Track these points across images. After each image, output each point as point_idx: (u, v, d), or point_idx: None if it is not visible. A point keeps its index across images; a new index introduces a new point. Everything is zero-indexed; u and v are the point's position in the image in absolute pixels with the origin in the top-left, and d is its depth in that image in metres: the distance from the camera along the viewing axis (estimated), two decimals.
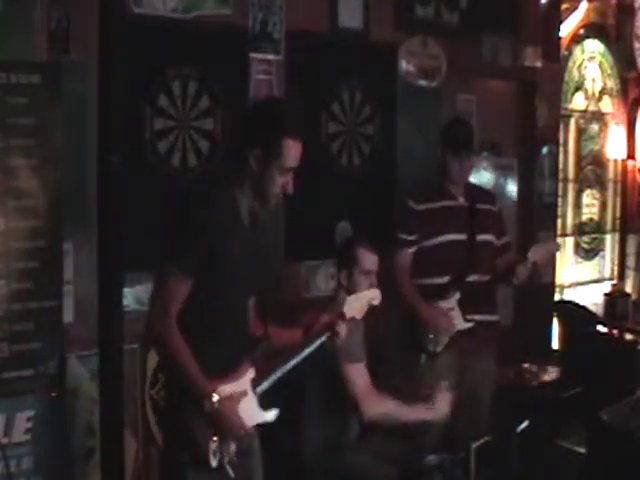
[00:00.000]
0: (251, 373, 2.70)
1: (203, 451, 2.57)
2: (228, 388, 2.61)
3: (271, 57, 4.20)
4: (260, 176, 2.66)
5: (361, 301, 2.98)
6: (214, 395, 2.55)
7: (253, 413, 2.67)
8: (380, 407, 3.41)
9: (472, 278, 4.06)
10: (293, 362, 2.82)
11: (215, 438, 2.58)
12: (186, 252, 2.59)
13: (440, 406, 3.45)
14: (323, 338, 2.87)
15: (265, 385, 2.73)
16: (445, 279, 4.05)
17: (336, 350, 3.12)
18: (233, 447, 2.63)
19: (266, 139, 2.64)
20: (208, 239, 2.59)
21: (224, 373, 2.63)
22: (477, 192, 4.27)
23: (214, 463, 2.59)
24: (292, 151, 2.66)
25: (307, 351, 2.85)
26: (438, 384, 3.55)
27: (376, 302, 2.99)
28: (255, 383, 2.70)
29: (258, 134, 2.66)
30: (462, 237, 4.08)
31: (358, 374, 3.41)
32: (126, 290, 3.52)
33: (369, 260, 3.56)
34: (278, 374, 2.78)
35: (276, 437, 2.93)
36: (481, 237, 4.13)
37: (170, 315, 2.58)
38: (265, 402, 2.73)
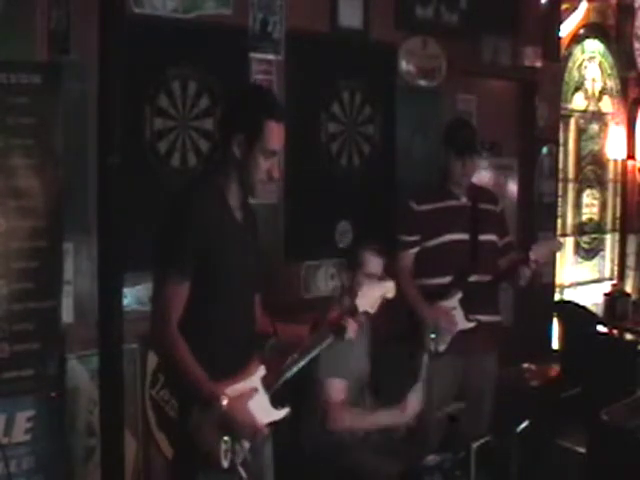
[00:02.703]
0: (262, 370, 2.67)
1: (214, 452, 2.55)
2: (239, 387, 2.58)
3: (271, 57, 4.20)
4: (244, 162, 2.64)
5: (374, 294, 2.87)
6: (223, 397, 2.51)
7: (265, 411, 2.63)
8: (345, 422, 3.43)
9: (474, 278, 4.06)
10: (306, 359, 2.77)
11: (226, 438, 2.55)
12: (180, 256, 2.57)
13: (408, 410, 3.47)
14: (334, 335, 2.80)
15: (279, 383, 2.70)
16: (447, 279, 4.05)
17: (318, 361, 3.08)
18: (245, 447, 2.61)
19: (248, 123, 2.63)
20: (201, 239, 2.57)
21: (234, 372, 2.61)
22: (479, 192, 4.26)
23: (226, 464, 2.56)
24: (274, 133, 2.64)
25: (320, 347, 2.80)
26: (409, 388, 3.55)
27: (390, 295, 2.89)
28: (266, 380, 2.67)
29: (239, 119, 2.66)
30: (464, 237, 4.08)
31: (334, 389, 3.41)
32: (126, 290, 3.52)
33: (374, 264, 3.56)
34: (292, 371, 2.74)
35: (276, 435, 2.93)
36: (483, 237, 4.12)
37: (170, 321, 2.56)
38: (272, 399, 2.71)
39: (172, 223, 2.63)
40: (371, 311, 2.87)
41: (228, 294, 2.67)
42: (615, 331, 6.27)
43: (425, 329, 4.03)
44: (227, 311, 2.67)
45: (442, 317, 4.00)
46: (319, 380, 3.38)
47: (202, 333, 2.62)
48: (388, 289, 2.91)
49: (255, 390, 2.62)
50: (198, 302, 2.60)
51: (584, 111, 6.82)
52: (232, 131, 2.65)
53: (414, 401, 3.48)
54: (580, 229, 6.93)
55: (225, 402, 2.51)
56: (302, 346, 2.80)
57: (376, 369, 3.72)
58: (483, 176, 5.46)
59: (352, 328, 2.81)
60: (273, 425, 2.69)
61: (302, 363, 2.77)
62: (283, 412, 2.69)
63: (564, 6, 6.08)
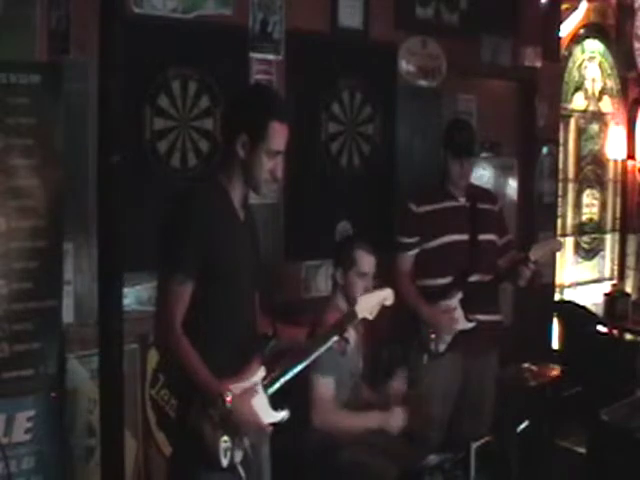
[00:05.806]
0: (262, 372, 2.66)
1: (213, 451, 2.54)
2: (239, 386, 2.57)
3: (271, 57, 4.20)
4: (248, 162, 2.65)
5: (373, 301, 2.93)
6: (227, 395, 2.50)
7: (264, 412, 2.62)
8: (330, 422, 3.40)
9: (474, 278, 4.06)
10: (304, 363, 2.78)
11: (226, 437, 2.55)
12: (183, 257, 2.57)
13: (394, 418, 3.47)
14: (334, 339, 2.83)
15: (276, 386, 2.70)
16: (447, 279, 4.05)
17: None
18: (245, 445, 2.61)
19: (252, 123, 2.64)
20: (205, 240, 2.57)
21: (235, 372, 2.60)
22: (478, 192, 4.27)
23: (225, 463, 2.56)
24: (279, 134, 2.65)
25: (318, 352, 2.81)
26: (397, 397, 3.58)
27: (388, 302, 2.95)
28: (265, 382, 2.67)
29: (243, 119, 2.66)
30: (464, 237, 4.08)
31: (323, 387, 3.39)
32: (126, 290, 3.51)
33: (366, 262, 3.56)
34: (290, 375, 2.75)
35: (275, 435, 2.92)
36: (483, 237, 4.12)
37: (174, 321, 2.55)
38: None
39: (175, 224, 2.62)
40: (370, 317, 2.93)
41: (230, 293, 2.67)
42: (615, 331, 6.27)
43: (425, 329, 4.04)
44: (229, 310, 2.67)
45: (441, 316, 4.01)
46: (308, 376, 3.35)
47: (204, 332, 2.61)
48: (387, 297, 2.97)
49: (255, 392, 2.61)
50: (201, 301, 2.60)
51: (584, 111, 6.82)
52: (236, 131, 2.65)
53: (397, 414, 3.48)
54: (580, 229, 6.92)
55: (229, 400, 2.50)
56: (301, 349, 2.81)
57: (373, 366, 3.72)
58: (483, 176, 5.46)
59: (352, 337, 2.86)
60: (272, 426, 2.68)
61: (300, 366, 2.78)
62: (282, 414, 2.67)
63: (564, 6, 6.08)
